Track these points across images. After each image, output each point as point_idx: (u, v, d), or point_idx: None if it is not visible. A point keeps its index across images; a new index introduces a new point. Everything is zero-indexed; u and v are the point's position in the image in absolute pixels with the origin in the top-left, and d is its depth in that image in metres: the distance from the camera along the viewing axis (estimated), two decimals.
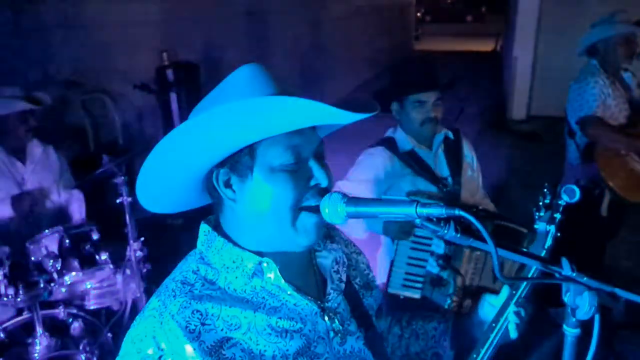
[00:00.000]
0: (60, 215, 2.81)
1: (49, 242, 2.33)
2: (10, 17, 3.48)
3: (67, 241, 2.39)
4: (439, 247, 1.94)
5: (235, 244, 0.92)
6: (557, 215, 1.18)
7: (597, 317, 0.80)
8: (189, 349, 0.81)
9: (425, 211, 0.76)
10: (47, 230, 2.37)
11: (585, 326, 0.82)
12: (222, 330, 0.84)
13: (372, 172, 2.10)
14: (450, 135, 2.24)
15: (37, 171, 2.75)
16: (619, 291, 0.81)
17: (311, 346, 0.91)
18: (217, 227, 0.96)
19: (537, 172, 5.32)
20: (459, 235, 0.79)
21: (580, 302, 0.80)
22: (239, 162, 0.88)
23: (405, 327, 1.19)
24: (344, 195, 0.87)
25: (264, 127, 0.84)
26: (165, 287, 0.89)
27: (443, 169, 2.19)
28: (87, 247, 2.47)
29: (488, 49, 14.72)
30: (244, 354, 0.84)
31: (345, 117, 0.85)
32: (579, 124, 2.93)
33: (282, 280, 0.89)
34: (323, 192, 0.89)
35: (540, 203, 1.21)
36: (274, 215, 0.88)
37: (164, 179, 0.90)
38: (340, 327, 0.96)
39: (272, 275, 0.89)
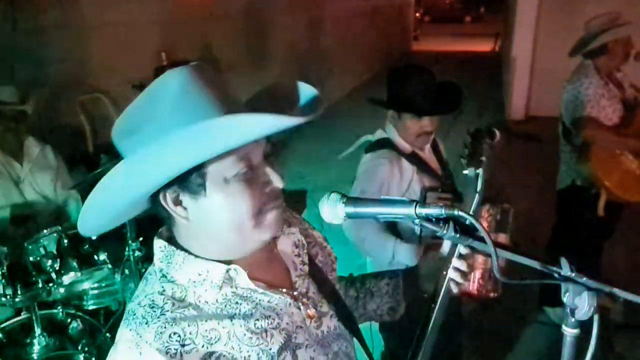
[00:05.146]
0: (58, 215, 2.81)
1: (48, 242, 2.32)
2: (9, 17, 3.47)
3: (66, 241, 2.39)
4: None
5: (196, 256, 0.88)
6: (483, 158, 1.21)
7: (596, 318, 0.80)
8: None
9: (424, 211, 0.76)
10: (45, 230, 2.36)
11: (585, 326, 0.82)
12: (203, 346, 0.82)
13: (389, 177, 2.04)
14: None
15: (35, 171, 2.74)
16: (617, 291, 0.81)
17: (292, 338, 0.90)
18: (172, 240, 0.92)
19: (535, 172, 5.33)
20: (458, 235, 0.79)
21: (579, 302, 0.80)
22: (188, 181, 0.83)
23: (360, 288, 1.24)
24: (343, 195, 0.86)
25: (203, 152, 0.78)
26: (134, 315, 0.85)
27: (437, 165, 2.21)
28: (86, 247, 2.46)
29: (487, 49, 14.75)
30: None
31: (288, 123, 0.79)
32: (573, 125, 2.94)
33: (252, 283, 0.88)
34: (278, 193, 0.89)
35: (466, 150, 1.24)
36: (235, 226, 0.86)
37: (108, 212, 0.87)
38: (314, 311, 0.97)
39: (241, 280, 0.88)
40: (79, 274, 2.40)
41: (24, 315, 2.34)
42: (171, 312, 0.83)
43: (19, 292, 2.21)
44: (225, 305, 0.87)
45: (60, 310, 2.39)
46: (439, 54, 14.62)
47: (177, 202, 0.86)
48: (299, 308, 0.95)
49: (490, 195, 2.05)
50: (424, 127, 2.06)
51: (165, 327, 0.81)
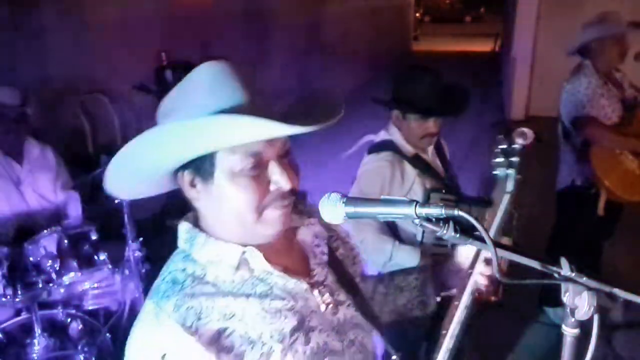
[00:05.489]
0: (58, 216, 2.81)
1: (48, 242, 2.32)
2: (9, 17, 3.47)
3: (66, 241, 2.39)
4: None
5: (216, 238, 0.93)
6: (515, 159, 1.22)
7: (596, 317, 0.80)
8: (189, 343, 0.83)
9: (424, 211, 0.76)
10: (45, 231, 2.36)
11: (585, 326, 0.82)
12: (218, 321, 0.86)
13: (390, 179, 2.03)
14: None
15: (34, 171, 2.74)
16: (617, 291, 0.81)
17: (305, 321, 0.93)
18: (197, 224, 0.98)
19: (535, 172, 5.33)
20: (458, 235, 0.79)
21: (579, 302, 0.80)
22: (201, 166, 0.89)
23: (388, 285, 1.26)
24: (343, 195, 0.86)
25: (212, 143, 0.85)
26: (157, 289, 0.91)
27: (440, 168, 2.20)
28: (86, 247, 2.46)
29: (487, 49, 14.75)
30: (243, 340, 0.87)
31: (299, 130, 0.83)
32: (573, 124, 2.94)
33: (268, 265, 0.92)
34: (285, 194, 0.90)
35: (496, 150, 1.24)
36: (236, 217, 0.90)
37: (132, 176, 0.93)
38: (330, 299, 0.99)
39: (257, 263, 0.92)
40: (79, 274, 2.40)
41: (24, 316, 2.34)
42: (190, 287, 0.89)
43: (19, 292, 2.21)
44: (242, 285, 0.91)
45: (60, 310, 2.39)
46: (439, 54, 14.62)
47: (192, 184, 0.92)
48: (315, 294, 0.98)
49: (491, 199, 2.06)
50: (429, 129, 2.05)
51: (183, 301, 0.87)
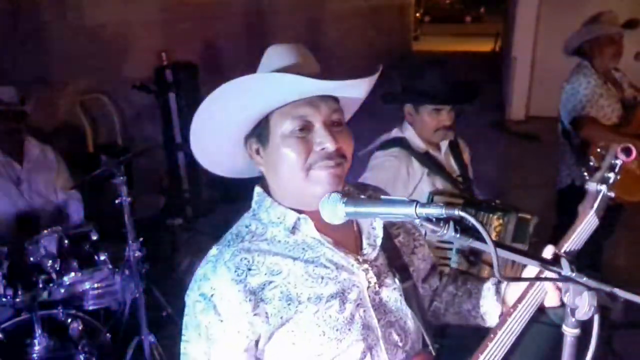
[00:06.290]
0: (59, 216, 2.81)
1: (48, 242, 2.32)
2: (9, 17, 3.47)
3: (66, 242, 2.39)
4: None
5: (280, 203, 1.03)
6: (611, 175, 1.15)
7: (596, 317, 0.80)
8: (235, 289, 0.95)
9: (424, 211, 0.76)
10: (45, 231, 2.36)
11: (585, 326, 0.82)
12: (265, 274, 0.97)
13: (396, 175, 2.03)
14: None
15: (34, 171, 2.74)
16: (617, 291, 0.82)
17: (345, 292, 1.00)
18: (266, 189, 1.07)
19: (535, 172, 5.33)
20: (458, 235, 0.79)
21: (580, 302, 0.80)
22: (261, 132, 1.01)
23: (460, 287, 1.26)
24: (343, 195, 0.87)
25: (264, 100, 0.96)
26: (224, 239, 1.04)
27: (454, 168, 2.19)
28: (86, 247, 2.46)
29: (487, 49, 14.73)
30: (282, 295, 0.96)
31: (339, 88, 0.98)
32: (572, 125, 2.94)
33: (319, 234, 1.00)
34: (331, 154, 0.97)
35: (591, 163, 1.19)
36: (289, 177, 0.99)
37: (209, 136, 1.03)
38: (375, 278, 1.04)
39: (308, 229, 1.00)
40: (79, 274, 2.40)
41: (24, 316, 2.34)
42: (249, 242, 1.01)
43: (19, 292, 2.21)
44: (294, 248, 1.01)
45: (61, 310, 2.39)
46: (439, 54, 14.62)
47: (257, 152, 1.04)
48: (360, 271, 1.02)
49: (504, 204, 2.05)
50: (442, 121, 2.05)
51: (240, 252, 0.99)
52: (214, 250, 1.02)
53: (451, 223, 0.78)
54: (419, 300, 1.12)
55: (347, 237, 1.07)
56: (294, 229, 1.01)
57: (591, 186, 1.16)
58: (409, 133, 2.12)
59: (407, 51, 15.84)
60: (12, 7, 3.46)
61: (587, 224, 1.13)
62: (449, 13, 30.65)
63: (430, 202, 1.97)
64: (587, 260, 3.05)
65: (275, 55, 1.04)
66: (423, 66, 2.08)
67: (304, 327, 0.96)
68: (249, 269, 0.97)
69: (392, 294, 1.06)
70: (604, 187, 1.15)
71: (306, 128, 0.98)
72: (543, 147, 6.18)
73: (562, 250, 1.09)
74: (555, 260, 0.84)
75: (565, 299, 0.82)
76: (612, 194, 1.15)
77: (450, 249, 1.99)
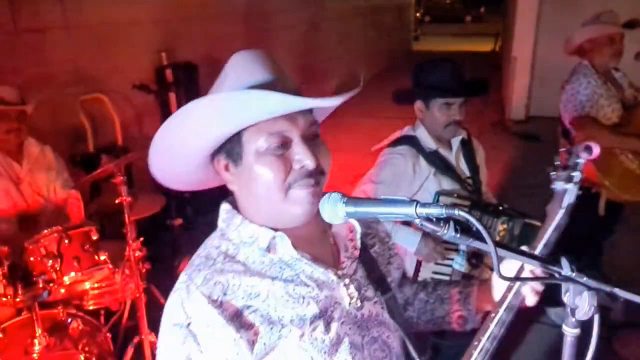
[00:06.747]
0: (59, 216, 2.81)
1: (48, 242, 2.32)
2: (9, 16, 3.47)
3: (66, 241, 2.39)
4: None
5: (251, 221, 0.97)
6: (576, 174, 1.15)
7: (596, 317, 0.80)
8: (212, 316, 0.88)
9: (424, 211, 0.76)
10: (45, 231, 2.36)
11: (585, 326, 0.82)
12: (242, 298, 0.90)
13: (401, 173, 2.04)
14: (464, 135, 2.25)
15: (34, 171, 2.74)
16: (618, 291, 0.82)
17: (328, 311, 0.95)
18: (235, 206, 1.02)
19: (535, 172, 5.33)
20: (458, 235, 0.79)
21: (580, 302, 0.80)
22: (232, 148, 0.94)
23: (431, 293, 1.24)
24: (343, 195, 0.86)
25: (236, 119, 0.89)
26: (192, 263, 0.97)
27: (465, 169, 2.20)
28: (86, 247, 2.46)
29: (487, 49, 14.73)
30: (263, 319, 0.90)
31: (318, 103, 0.88)
32: (572, 124, 2.94)
33: (295, 252, 0.94)
34: (311, 172, 0.92)
35: (557, 163, 1.19)
36: (265, 196, 0.93)
37: (171, 157, 0.96)
38: (357, 293, 1.00)
39: (284, 248, 0.95)
40: (79, 274, 2.40)
41: (24, 315, 2.34)
42: (221, 264, 0.94)
43: (19, 292, 2.21)
44: (270, 268, 0.95)
45: (61, 310, 2.39)
46: (439, 54, 14.61)
47: (227, 169, 0.97)
48: (341, 286, 0.99)
49: (512, 209, 2.06)
50: (452, 116, 2.06)
51: (212, 276, 0.92)
52: (182, 277, 0.94)
53: (451, 223, 0.78)
54: (400, 311, 1.09)
55: (325, 252, 1.02)
56: (269, 248, 0.95)
57: (558, 185, 1.16)
58: (420, 131, 2.14)
59: (407, 51, 15.84)
60: (12, 7, 3.46)
61: (557, 223, 1.14)
62: (449, 13, 30.68)
63: (435, 202, 1.98)
64: (587, 260, 3.07)
65: (242, 65, 0.93)
66: (433, 63, 2.10)
67: (290, 355, 0.90)
68: (225, 294, 0.90)
69: (373, 308, 1.03)
70: (570, 186, 1.15)
71: (283, 145, 0.91)
72: (543, 147, 6.19)
73: (536, 252, 1.10)
74: (555, 260, 0.84)
75: (565, 299, 0.81)
76: (579, 192, 1.15)
77: (455, 250, 2.00)
